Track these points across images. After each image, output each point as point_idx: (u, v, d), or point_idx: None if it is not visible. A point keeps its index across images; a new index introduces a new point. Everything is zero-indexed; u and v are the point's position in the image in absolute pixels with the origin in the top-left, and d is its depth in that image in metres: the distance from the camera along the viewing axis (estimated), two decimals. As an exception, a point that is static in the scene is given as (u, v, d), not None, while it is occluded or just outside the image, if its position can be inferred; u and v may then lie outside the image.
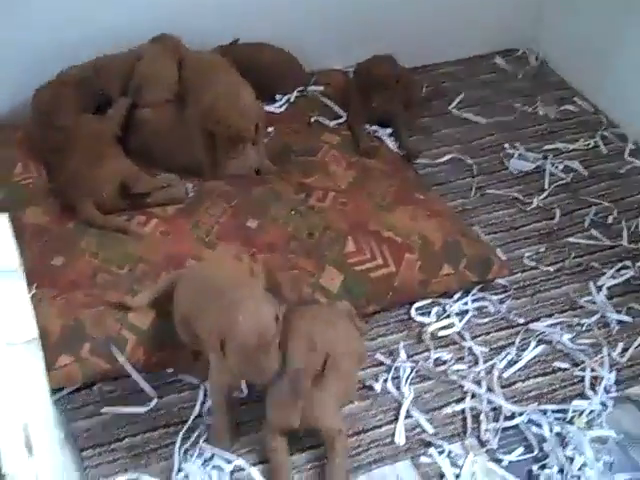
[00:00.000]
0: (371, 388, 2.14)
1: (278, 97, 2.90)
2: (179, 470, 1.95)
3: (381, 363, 2.20)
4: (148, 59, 2.66)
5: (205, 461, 1.97)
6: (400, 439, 2.03)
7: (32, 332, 0.92)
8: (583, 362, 2.22)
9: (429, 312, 2.33)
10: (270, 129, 2.74)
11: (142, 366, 2.12)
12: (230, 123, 2.41)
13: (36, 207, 2.41)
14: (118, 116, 2.58)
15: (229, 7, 2.82)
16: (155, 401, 2.08)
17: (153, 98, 2.62)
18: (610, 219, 2.65)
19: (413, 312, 2.32)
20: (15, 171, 2.49)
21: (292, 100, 2.92)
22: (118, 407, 2.07)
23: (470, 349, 2.25)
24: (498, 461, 2.00)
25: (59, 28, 2.57)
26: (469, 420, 2.07)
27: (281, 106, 2.89)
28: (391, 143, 2.84)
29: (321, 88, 2.96)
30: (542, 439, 2.04)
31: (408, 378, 2.16)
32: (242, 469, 1.96)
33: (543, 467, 1.99)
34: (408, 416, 2.09)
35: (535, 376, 2.20)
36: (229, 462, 1.96)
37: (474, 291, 2.40)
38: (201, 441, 2.00)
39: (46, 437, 0.98)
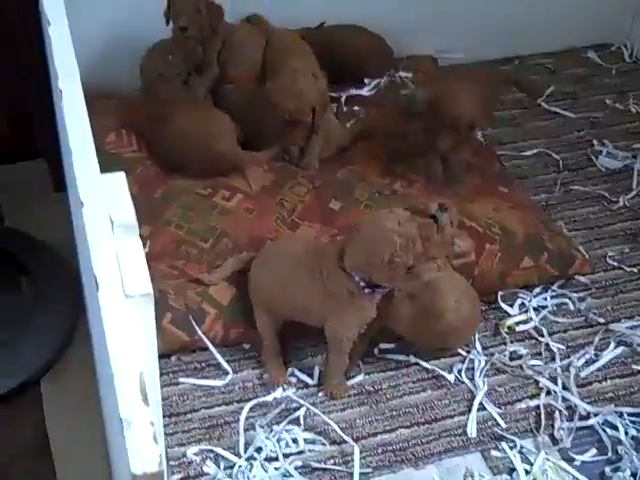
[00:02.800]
0: (444, 378, 2.14)
1: (367, 81, 2.89)
2: (249, 444, 1.97)
3: (456, 353, 2.19)
4: (237, 35, 2.68)
5: (277, 437, 1.99)
6: (472, 431, 2.03)
7: (147, 287, 0.95)
8: (664, 366, 2.18)
9: (511, 304, 2.31)
10: (357, 108, 2.76)
11: (220, 340, 2.15)
12: (284, 106, 2.41)
13: (125, 176, 2.44)
14: (204, 82, 2.61)
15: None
16: (230, 376, 2.11)
17: (236, 73, 2.64)
18: (700, 223, 2.59)
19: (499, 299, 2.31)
20: (107, 140, 2.52)
21: (381, 85, 2.91)
22: (195, 379, 2.11)
23: (547, 345, 2.22)
24: (570, 460, 1.97)
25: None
26: (543, 417, 2.05)
27: (370, 90, 2.88)
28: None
29: (410, 75, 2.95)
30: (617, 441, 2.01)
31: (483, 370, 2.15)
32: (313, 442, 1.98)
33: (616, 470, 1.96)
34: (481, 408, 2.07)
35: (613, 377, 2.16)
36: (295, 441, 1.98)
37: (554, 287, 2.37)
38: (271, 416, 2.02)
39: (156, 389, 1.02)
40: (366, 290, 1.92)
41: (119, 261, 0.98)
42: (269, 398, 2.07)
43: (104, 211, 1.04)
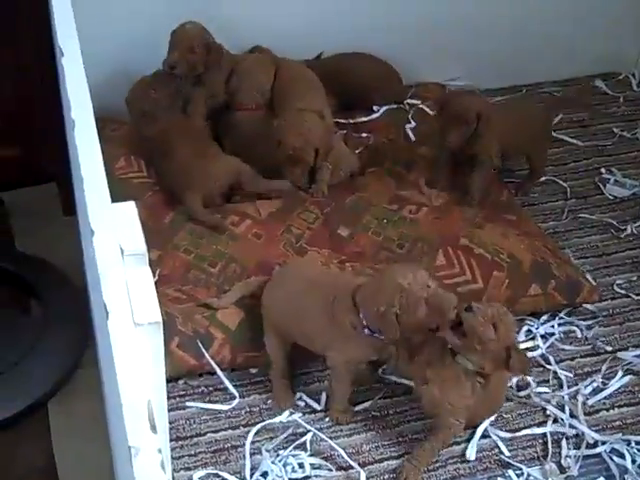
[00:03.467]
0: (452, 404, 2.14)
1: (376, 108, 2.92)
2: (255, 468, 1.97)
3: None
4: (246, 63, 2.71)
5: (283, 461, 1.99)
6: (471, 454, 2.02)
7: (156, 315, 0.97)
8: (671, 395, 2.17)
9: (518, 331, 2.31)
10: (365, 135, 2.78)
11: (227, 364, 2.15)
12: (289, 144, 2.45)
13: (135, 201, 2.45)
14: (200, 108, 2.63)
15: (326, 18, 2.85)
16: (237, 400, 2.12)
17: (246, 102, 2.66)
18: None
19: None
20: (117, 165, 2.54)
21: (389, 112, 2.93)
22: (202, 403, 2.11)
23: (555, 373, 2.22)
24: (577, 489, 1.97)
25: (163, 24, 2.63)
26: (550, 445, 2.05)
27: (378, 117, 2.91)
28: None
29: (419, 102, 2.97)
30: (624, 470, 2.00)
31: (490, 397, 2.15)
32: (319, 467, 1.98)
33: (623, 498, 1.96)
34: (486, 435, 2.07)
35: (620, 405, 2.15)
36: (301, 466, 1.98)
37: (561, 314, 2.37)
38: (278, 441, 2.02)
39: (163, 416, 1.03)
40: (365, 330, 1.93)
41: (129, 289, 0.99)
42: (276, 421, 2.08)
43: (114, 240, 1.05)
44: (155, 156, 2.55)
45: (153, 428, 0.83)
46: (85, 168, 1.15)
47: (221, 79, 2.66)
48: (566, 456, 2.02)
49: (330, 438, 2.03)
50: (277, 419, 2.08)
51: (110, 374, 0.99)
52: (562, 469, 2.00)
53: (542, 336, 2.31)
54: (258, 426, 2.06)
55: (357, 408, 2.11)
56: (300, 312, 2.03)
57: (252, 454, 2.00)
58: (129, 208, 1.10)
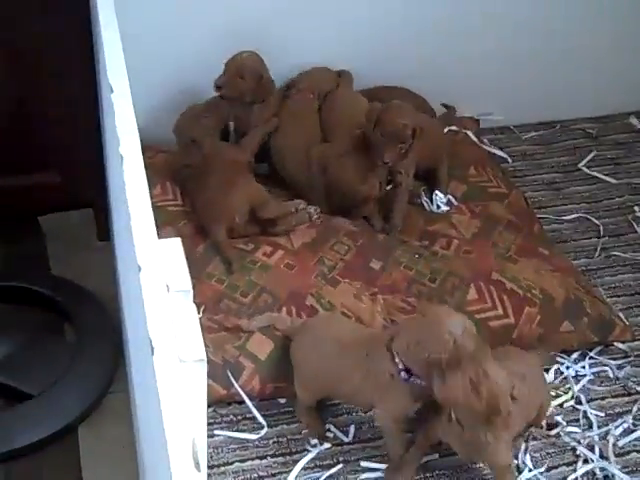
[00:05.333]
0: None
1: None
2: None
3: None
4: (294, 107, 2.73)
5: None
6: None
7: (201, 352, 0.98)
8: (702, 438, 2.15)
9: (547, 369, 2.31)
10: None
11: (256, 394, 2.16)
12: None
13: (171, 228, 2.46)
14: (254, 144, 2.65)
15: (360, 48, 2.88)
16: (265, 430, 2.12)
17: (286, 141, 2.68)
18: None
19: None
20: (154, 192, 2.55)
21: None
22: (230, 432, 2.12)
23: (585, 413, 2.21)
24: (607, 530, 1.96)
25: (212, 51, 2.65)
26: (580, 483, 2.04)
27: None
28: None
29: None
30: (654, 512, 1.99)
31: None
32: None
33: (652, 541, 1.94)
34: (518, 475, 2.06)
35: (651, 447, 2.15)
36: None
37: (592, 353, 2.36)
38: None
39: (204, 454, 1.04)
40: (402, 374, 1.91)
41: (174, 326, 1.01)
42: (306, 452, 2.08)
43: (161, 276, 1.07)
44: (189, 185, 2.58)
45: (197, 466, 0.84)
46: (132, 204, 1.17)
47: (265, 114, 2.68)
48: (596, 497, 2.01)
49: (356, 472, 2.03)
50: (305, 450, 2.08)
51: (153, 409, 1.01)
52: (591, 510, 1.99)
53: (573, 377, 2.29)
54: (290, 459, 2.05)
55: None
56: (335, 375, 2.02)
57: (281, 485, 2.01)
58: (175, 244, 1.12)
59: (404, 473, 2.00)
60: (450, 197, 2.69)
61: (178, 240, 1.12)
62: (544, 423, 2.15)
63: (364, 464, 2.06)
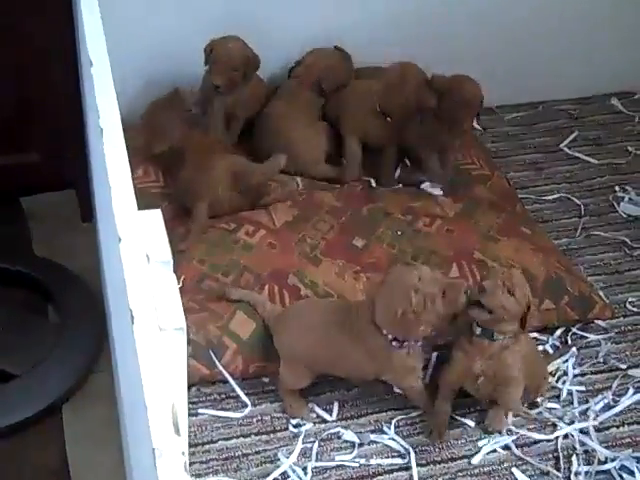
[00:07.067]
0: (463, 422, 2.14)
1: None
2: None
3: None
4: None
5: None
6: (477, 461, 2.04)
7: (181, 321, 0.99)
8: (682, 413, 2.18)
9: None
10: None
11: (239, 374, 2.17)
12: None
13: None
14: (219, 125, 2.67)
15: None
16: (249, 408, 2.13)
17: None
18: None
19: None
20: (135, 175, 2.51)
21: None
22: (214, 410, 2.13)
23: (565, 389, 2.23)
24: (587, 505, 1.98)
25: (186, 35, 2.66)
26: (561, 461, 2.05)
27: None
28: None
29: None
30: (633, 487, 2.01)
31: (502, 412, 2.16)
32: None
33: (632, 516, 1.96)
34: (495, 450, 2.08)
35: (630, 423, 2.16)
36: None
37: (573, 330, 2.38)
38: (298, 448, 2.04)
39: (185, 420, 1.05)
40: (394, 343, 1.97)
41: (154, 296, 1.02)
42: (291, 431, 2.09)
43: (141, 247, 1.07)
44: (168, 168, 2.58)
45: (177, 431, 0.85)
46: (112, 176, 1.17)
47: (260, 91, 2.74)
48: (576, 472, 2.02)
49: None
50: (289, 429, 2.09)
51: (133, 377, 1.01)
52: (572, 485, 2.01)
53: (553, 354, 2.31)
54: (274, 437, 2.06)
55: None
56: (330, 357, 2.05)
57: (264, 462, 2.02)
58: (155, 216, 1.12)
59: (437, 423, 2.08)
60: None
61: (158, 212, 1.12)
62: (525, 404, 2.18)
63: (346, 437, 2.08)
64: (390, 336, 1.97)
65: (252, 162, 2.53)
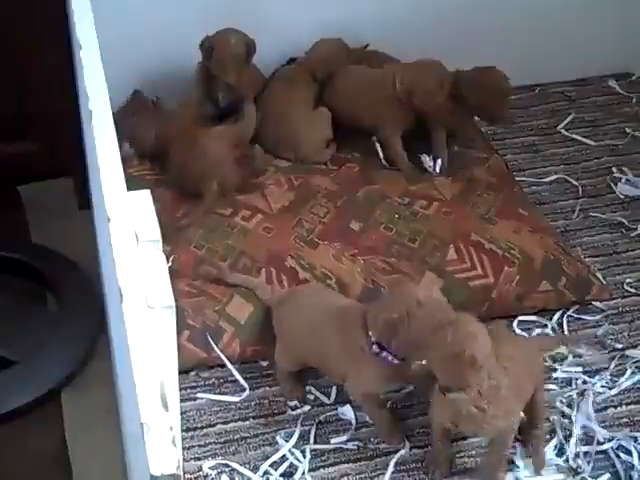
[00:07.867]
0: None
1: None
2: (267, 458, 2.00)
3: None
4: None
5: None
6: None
7: (169, 299, 1.00)
8: (680, 393, 2.18)
9: (528, 328, 2.33)
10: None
11: (237, 357, 2.18)
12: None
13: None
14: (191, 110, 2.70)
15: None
16: (247, 392, 2.14)
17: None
18: None
19: (515, 325, 2.32)
20: (130, 163, 2.56)
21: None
22: (212, 395, 2.13)
23: (563, 370, 2.23)
24: (584, 484, 1.98)
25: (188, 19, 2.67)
26: (559, 441, 2.05)
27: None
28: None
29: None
30: (630, 467, 2.00)
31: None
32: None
33: (629, 494, 1.97)
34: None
35: (628, 403, 2.16)
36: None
37: (570, 312, 2.38)
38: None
39: (175, 396, 1.06)
40: (373, 347, 1.90)
41: (143, 275, 1.02)
42: (289, 414, 2.10)
43: (130, 227, 1.08)
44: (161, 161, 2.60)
45: (165, 406, 0.85)
46: (102, 157, 1.18)
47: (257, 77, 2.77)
48: (575, 453, 2.03)
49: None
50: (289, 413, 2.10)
51: (124, 356, 1.02)
52: (571, 467, 2.01)
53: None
54: (272, 420, 2.07)
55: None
56: (314, 344, 2.04)
57: (262, 445, 2.03)
58: (144, 196, 1.13)
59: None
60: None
61: (147, 192, 1.13)
62: None
63: (343, 415, 2.09)
64: (373, 338, 1.91)
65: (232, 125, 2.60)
